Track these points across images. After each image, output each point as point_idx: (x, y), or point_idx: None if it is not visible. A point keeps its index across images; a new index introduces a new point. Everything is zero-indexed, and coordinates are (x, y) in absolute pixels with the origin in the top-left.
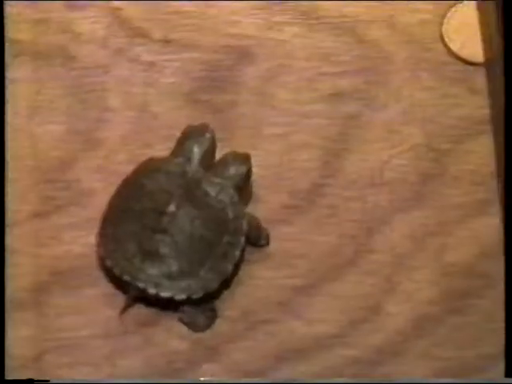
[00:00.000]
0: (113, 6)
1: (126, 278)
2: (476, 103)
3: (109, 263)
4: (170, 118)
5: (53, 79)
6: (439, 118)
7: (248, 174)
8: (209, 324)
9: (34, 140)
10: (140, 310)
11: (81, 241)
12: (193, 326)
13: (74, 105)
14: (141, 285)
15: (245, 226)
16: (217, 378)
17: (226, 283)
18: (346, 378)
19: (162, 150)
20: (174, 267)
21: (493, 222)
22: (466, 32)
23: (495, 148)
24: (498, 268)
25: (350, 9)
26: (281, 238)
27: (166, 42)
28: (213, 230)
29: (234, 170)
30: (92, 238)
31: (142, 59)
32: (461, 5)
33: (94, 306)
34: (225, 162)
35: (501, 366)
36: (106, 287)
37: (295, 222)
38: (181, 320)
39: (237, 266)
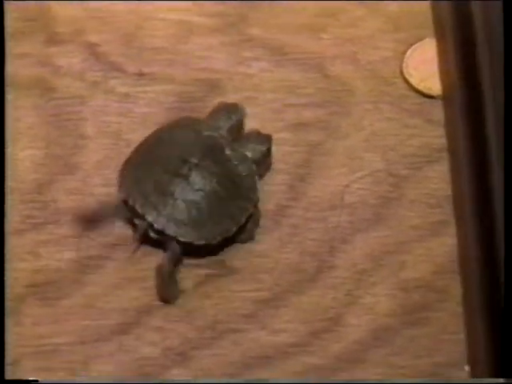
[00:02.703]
0: (90, 42)
1: (138, 208)
2: (433, 133)
3: (124, 195)
4: None
5: (33, 108)
6: (398, 146)
7: (267, 153)
8: (175, 298)
9: (14, 163)
10: (114, 319)
11: (57, 256)
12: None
13: (52, 132)
14: (150, 219)
15: (257, 197)
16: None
17: (226, 243)
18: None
19: None
20: (184, 211)
21: (447, 242)
22: (424, 68)
23: (451, 173)
24: (452, 284)
25: (316, 46)
26: (248, 254)
27: (140, 75)
28: (227, 190)
29: (255, 146)
30: (67, 254)
31: (116, 91)
32: (420, 43)
33: (70, 316)
34: (248, 137)
35: (455, 374)
36: (82, 299)
37: (261, 240)
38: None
39: (240, 230)
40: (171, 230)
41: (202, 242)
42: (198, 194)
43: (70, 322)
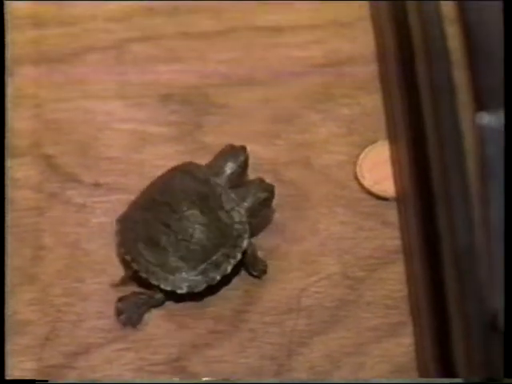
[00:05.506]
0: (46, 154)
1: (127, 257)
2: (388, 235)
3: (118, 239)
4: (101, 255)
5: None
6: (354, 249)
7: (265, 202)
8: (135, 324)
9: None
10: None
11: (19, 366)
12: (123, 320)
13: (11, 243)
14: (136, 267)
15: (245, 245)
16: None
17: (210, 289)
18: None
19: (94, 283)
20: (169, 261)
21: (405, 342)
22: (378, 170)
23: (406, 274)
24: None
25: (270, 152)
26: (207, 360)
27: (97, 185)
28: (212, 239)
29: (252, 194)
30: (30, 364)
31: (73, 201)
32: (373, 145)
33: None
34: (249, 184)
35: None
36: None
37: (219, 345)
38: (117, 311)
39: (226, 277)
40: (153, 279)
41: (185, 291)
42: (182, 244)
43: None
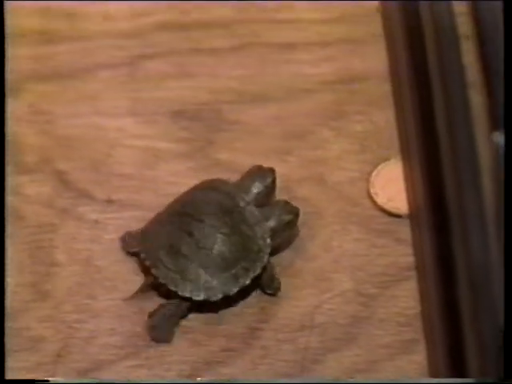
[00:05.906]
0: (58, 170)
1: (147, 263)
2: (401, 252)
3: (139, 247)
4: (113, 271)
5: (5, 237)
6: (367, 266)
7: (289, 225)
8: (169, 339)
9: None
10: None
11: None
12: (156, 336)
13: (23, 260)
14: (155, 273)
15: (265, 260)
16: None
17: (228, 302)
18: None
19: (106, 300)
20: (189, 268)
21: (417, 360)
22: (391, 187)
23: (419, 291)
24: None
25: (282, 169)
26: (219, 377)
27: (109, 201)
28: (234, 252)
29: (277, 215)
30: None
31: (86, 218)
32: (386, 163)
33: None
34: (274, 204)
35: None
36: None
37: (232, 362)
38: (149, 327)
39: (244, 292)
40: (172, 286)
41: (202, 298)
42: (202, 252)
43: None
